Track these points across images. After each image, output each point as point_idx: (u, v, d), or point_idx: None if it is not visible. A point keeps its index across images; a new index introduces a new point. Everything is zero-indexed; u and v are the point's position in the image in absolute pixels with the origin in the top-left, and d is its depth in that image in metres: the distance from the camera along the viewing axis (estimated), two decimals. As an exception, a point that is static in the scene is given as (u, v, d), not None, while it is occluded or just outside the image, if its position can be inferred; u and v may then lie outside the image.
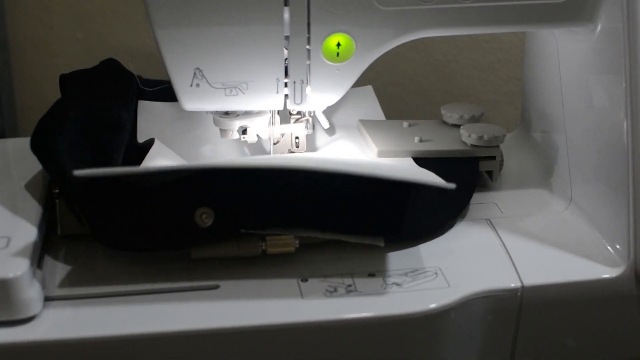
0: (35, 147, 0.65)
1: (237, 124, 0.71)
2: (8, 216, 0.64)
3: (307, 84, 0.67)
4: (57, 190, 0.64)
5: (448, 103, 0.81)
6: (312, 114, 0.76)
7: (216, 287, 0.62)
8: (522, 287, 0.63)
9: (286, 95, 0.68)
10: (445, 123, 0.80)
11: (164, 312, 0.59)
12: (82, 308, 0.59)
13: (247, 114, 0.71)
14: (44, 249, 0.64)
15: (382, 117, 0.82)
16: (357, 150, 0.76)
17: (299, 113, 0.74)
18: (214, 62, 0.65)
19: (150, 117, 0.77)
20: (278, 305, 0.60)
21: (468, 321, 0.63)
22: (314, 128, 0.77)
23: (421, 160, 0.73)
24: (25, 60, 0.98)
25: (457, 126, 0.78)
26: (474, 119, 0.78)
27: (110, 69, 0.78)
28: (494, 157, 0.75)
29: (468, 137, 0.74)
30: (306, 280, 0.63)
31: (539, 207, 0.73)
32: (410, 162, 0.73)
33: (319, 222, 0.64)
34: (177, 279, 0.62)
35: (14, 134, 0.97)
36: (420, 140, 0.76)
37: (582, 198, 0.72)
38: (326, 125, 0.79)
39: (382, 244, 0.64)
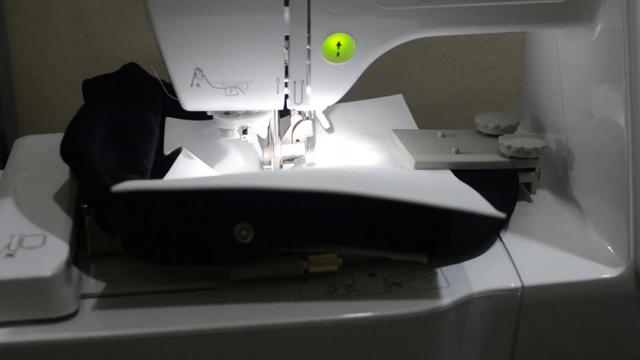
0: (68, 157, 0.64)
1: (238, 123, 0.71)
2: (42, 214, 0.64)
3: (308, 84, 0.67)
4: (85, 206, 0.62)
5: (482, 112, 0.79)
6: (312, 115, 0.76)
7: (216, 287, 0.62)
8: (522, 287, 0.63)
9: (286, 95, 0.68)
10: (480, 133, 0.78)
11: (164, 312, 0.59)
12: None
13: (248, 113, 0.71)
14: (77, 252, 0.63)
15: (414, 126, 0.81)
16: (392, 162, 0.75)
17: (299, 113, 0.75)
18: (214, 62, 0.65)
19: (177, 133, 0.77)
20: (278, 305, 0.60)
21: (468, 321, 0.63)
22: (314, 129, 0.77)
23: (459, 173, 0.72)
24: (25, 60, 0.98)
25: (493, 136, 0.76)
26: (510, 129, 0.76)
27: (133, 74, 0.78)
28: (532, 169, 0.73)
29: (507, 148, 0.72)
30: (306, 280, 0.63)
31: (539, 207, 0.73)
32: (449, 174, 0.72)
33: (361, 240, 0.62)
34: (177, 279, 0.62)
35: (14, 133, 0.97)
36: (457, 152, 0.74)
37: (582, 198, 0.72)
38: (326, 125, 0.79)
39: (425, 261, 0.63)
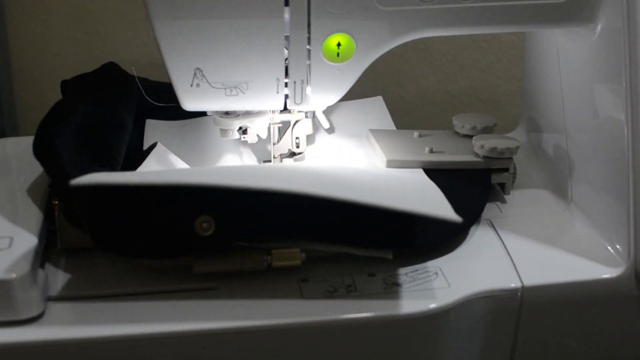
0: (38, 154, 0.65)
1: (237, 124, 0.71)
2: (10, 216, 0.64)
3: (308, 84, 0.67)
4: (56, 202, 0.63)
5: (460, 113, 0.80)
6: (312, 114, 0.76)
7: (216, 287, 0.62)
8: (522, 287, 0.63)
9: (286, 95, 0.68)
10: (457, 133, 0.78)
11: (164, 312, 0.59)
12: (84, 309, 0.59)
13: (248, 114, 0.71)
14: (47, 249, 0.64)
15: (392, 127, 0.81)
16: (366, 160, 0.75)
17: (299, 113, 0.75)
18: (214, 62, 0.65)
19: (156, 134, 0.77)
20: (278, 305, 0.60)
21: (468, 321, 0.63)
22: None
23: (431, 172, 0.72)
24: (25, 60, 0.98)
25: (469, 137, 0.76)
26: (486, 130, 0.77)
27: (110, 72, 0.78)
28: (506, 169, 0.73)
29: (480, 148, 0.72)
30: (306, 280, 0.62)
31: (539, 207, 0.73)
32: (420, 173, 0.72)
33: (325, 235, 0.62)
34: (177, 279, 0.62)
35: (14, 133, 0.97)
36: (431, 151, 0.74)
37: (582, 198, 0.72)
38: (326, 125, 0.79)
39: (390, 257, 0.63)
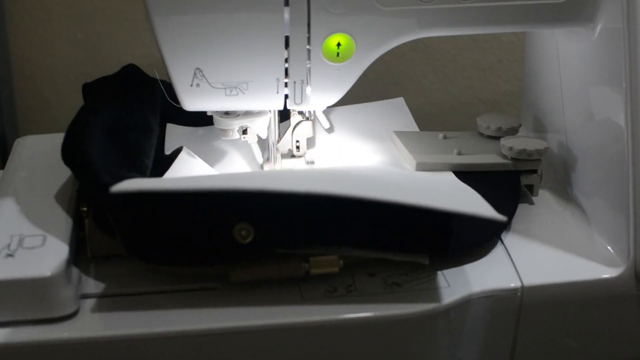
0: (68, 158, 0.64)
1: (237, 124, 0.71)
2: (42, 214, 0.64)
3: (307, 84, 0.67)
4: (85, 209, 0.62)
5: (484, 113, 0.79)
6: (312, 115, 0.76)
7: (216, 287, 0.62)
8: (522, 287, 0.63)
9: (286, 95, 0.68)
10: (481, 135, 0.78)
11: (163, 312, 0.59)
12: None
13: (248, 114, 0.71)
14: (76, 255, 0.63)
15: (415, 128, 0.81)
16: (393, 163, 0.75)
17: (300, 113, 0.74)
18: (214, 63, 0.65)
19: (178, 140, 0.76)
20: (278, 306, 0.60)
21: (468, 321, 0.63)
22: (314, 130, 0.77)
23: (460, 174, 0.72)
24: (25, 60, 0.98)
25: (494, 138, 0.76)
26: (511, 131, 0.76)
27: (132, 75, 0.77)
28: (535, 171, 0.73)
29: (509, 150, 0.72)
30: (306, 280, 0.62)
31: (539, 207, 0.73)
32: (451, 176, 0.72)
33: (362, 241, 0.62)
34: (177, 279, 0.62)
35: (14, 133, 0.97)
36: (459, 153, 0.74)
37: (582, 198, 0.72)
38: (326, 125, 0.79)
39: (426, 262, 0.63)
